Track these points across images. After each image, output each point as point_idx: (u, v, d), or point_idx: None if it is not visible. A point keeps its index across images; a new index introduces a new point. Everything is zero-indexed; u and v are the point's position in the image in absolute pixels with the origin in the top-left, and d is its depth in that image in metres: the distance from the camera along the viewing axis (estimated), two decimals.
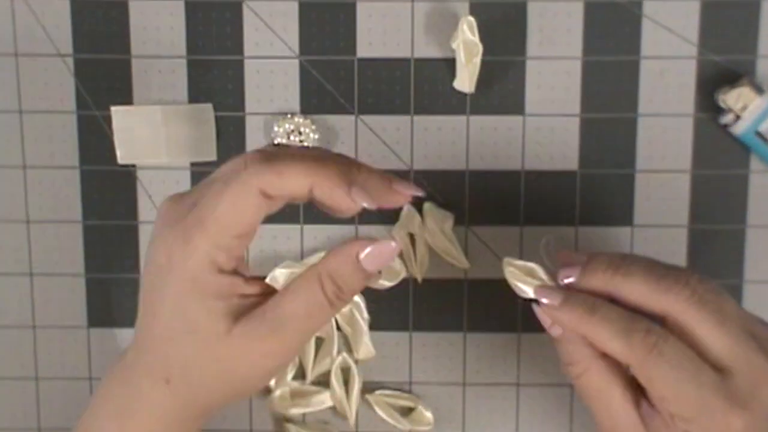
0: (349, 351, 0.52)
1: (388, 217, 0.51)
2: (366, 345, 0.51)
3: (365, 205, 0.37)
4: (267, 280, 0.51)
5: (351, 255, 0.37)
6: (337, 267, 0.37)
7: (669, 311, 0.38)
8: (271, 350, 0.37)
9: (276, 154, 0.37)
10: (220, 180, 0.37)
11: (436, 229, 0.50)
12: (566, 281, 0.40)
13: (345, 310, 0.51)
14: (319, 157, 0.37)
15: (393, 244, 0.37)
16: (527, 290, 0.41)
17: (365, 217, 0.51)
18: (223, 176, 0.37)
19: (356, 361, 0.52)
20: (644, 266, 0.39)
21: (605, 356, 0.40)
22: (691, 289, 0.38)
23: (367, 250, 0.37)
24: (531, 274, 0.41)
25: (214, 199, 0.36)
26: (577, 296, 0.40)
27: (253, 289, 0.38)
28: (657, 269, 0.39)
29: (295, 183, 0.36)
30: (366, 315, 0.51)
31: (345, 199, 0.37)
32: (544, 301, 0.40)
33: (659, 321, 0.39)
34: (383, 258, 0.37)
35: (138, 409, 0.38)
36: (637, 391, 0.40)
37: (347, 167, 0.37)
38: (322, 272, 0.37)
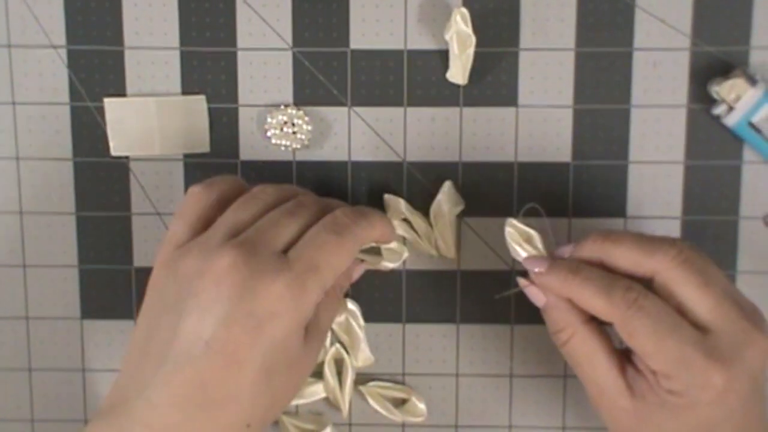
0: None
1: (381, 208, 0.51)
2: (364, 352, 0.51)
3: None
4: None
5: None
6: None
7: (656, 270, 0.40)
8: (316, 350, 0.42)
9: (364, 210, 0.44)
10: (323, 245, 0.40)
11: (445, 209, 0.50)
12: (533, 268, 0.43)
13: (341, 318, 0.51)
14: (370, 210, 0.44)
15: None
16: (521, 253, 0.44)
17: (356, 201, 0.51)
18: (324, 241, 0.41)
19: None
20: (633, 234, 0.42)
21: (591, 322, 0.42)
22: (677, 249, 0.40)
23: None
24: (529, 240, 0.44)
25: (329, 250, 0.40)
26: (561, 261, 0.42)
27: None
28: (645, 236, 0.41)
29: (381, 231, 0.44)
30: (362, 322, 0.51)
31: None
32: (534, 269, 0.42)
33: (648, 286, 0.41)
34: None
35: None
36: (622, 357, 0.42)
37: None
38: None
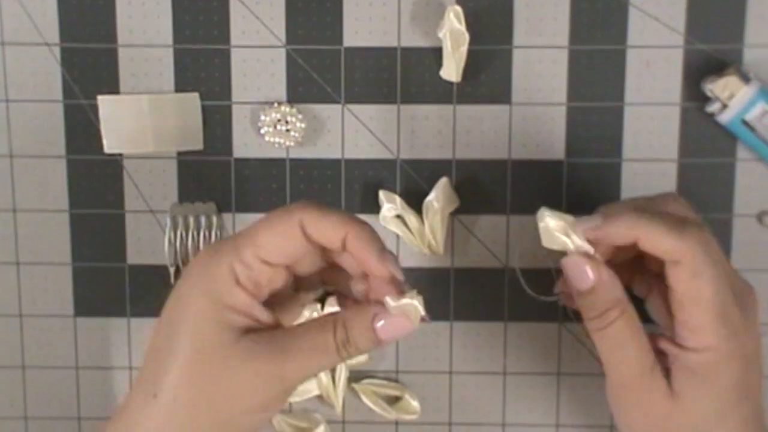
0: None
1: (374, 206, 0.51)
2: None
3: (392, 270, 0.38)
4: None
5: (367, 317, 0.38)
6: (352, 319, 0.38)
7: (684, 252, 0.39)
8: (269, 373, 0.37)
9: (322, 203, 0.39)
10: (270, 213, 0.38)
11: (437, 206, 0.50)
12: (588, 227, 0.40)
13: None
14: (356, 217, 0.39)
15: (409, 324, 0.37)
16: (566, 240, 0.40)
17: (350, 206, 0.51)
18: (273, 211, 0.39)
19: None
20: (659, 213, 0.40)
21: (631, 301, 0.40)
22: (705, 236, 0.39)
23: (382, 322, 0.37)
24: (564, 231, 0.40)
25: (258, 224, 0.38)
26: (620, 206, 0.40)
27: (266, 318, 0.38)
28: (658, 215, 0.40)
29: (333, 227, 0.37)
30: None
31: (372, 260, 0.38)
32: (587, 225, 0.39)
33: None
34: (396, 333, 0.38)
35: (133, 426, 0.38)
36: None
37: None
38: (338, 318, 0.38)
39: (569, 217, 0.40)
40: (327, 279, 0.42)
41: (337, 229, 0.37)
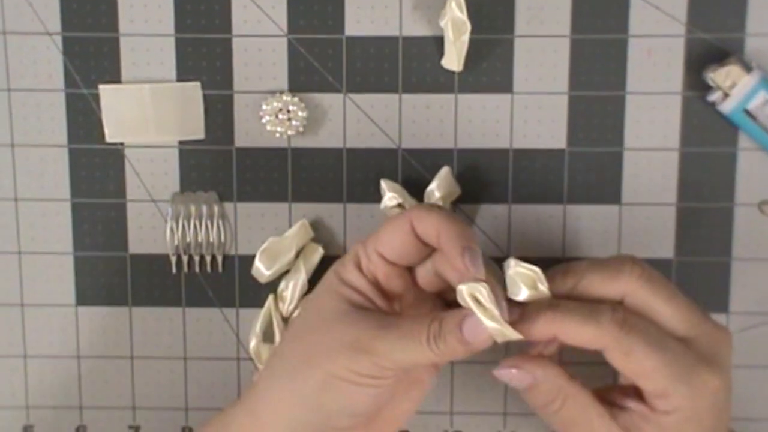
0: None
1: (376, 195, 0.51)
2: None
3: (471, 267, 0.39)
4: (256, 258, 0.51)
5: (459, 315, 0.38)
6: (447, 317, 0.39)
7: (625, 292, 0.40)
8: (362, 344, 0.39)
9: (437, 205, 0.44)
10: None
11: (440, 195, 0.50)
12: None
13: None
14: (457, 218, 0.41)
15: (487, 337, 0.38)
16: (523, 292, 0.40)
17: (351, 196, 0.51)
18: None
19: None
20: (591, 262, 0.42)
21: (573, 379, 0.41)
22: (639, 268, 0.40)
23: (469, 322, 0.38)
24: (533, 284, 0.41)
25: (384, 222, 0.42)
26: (535, 303, 0.40)
27: (383, 304, 0.42)
28: (600, 261, 0.42)
29: (432, 222, 0.40)
30: None
31: (454, 255, 0.39)
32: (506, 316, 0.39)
33: None
34: (477, 337, 0.38)
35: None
36: (606, 403, 0.42)
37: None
38: (437, 315, 0.39)
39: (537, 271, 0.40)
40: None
41: (434, 224, 0.40)
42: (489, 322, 0.38)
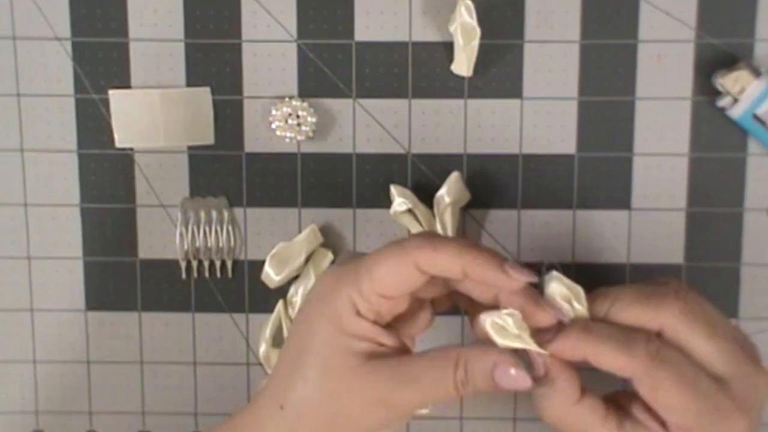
0: None
1: (385, 200, 0.51)
2: None
3: (521, 277, 0.38)
4: (266, 263, 0.51)
5: (488, 363, 0.38)
6: (474, 362, 0.38)
7: (664, 325, 0.39)
8: (388, 401, 0.38)
9: (436, 235, 0.40)
10: (386, 247, 0.39)
11: (448, 200, 0.50)
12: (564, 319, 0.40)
13: None
14: (471, 242, 0.39)
15: (528, 379, 0.37)
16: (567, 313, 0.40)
17: (361, 201, 0.51)
18: (389, 245, 0.40)
19: None
20: (634, 290, 0.40)
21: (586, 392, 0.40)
22: (681, 302, 0.39)
23: (501, 370, 0.37)
24: (569, 300, 0.40)
25: (375, 258, 0.39)
26: (571, 324, 0.40)
27: (391, 342, 0.39)
28: (644, 289, 0.40)
29: (449, 260, 0.38)
30: None
31: (499, 276, 0.38)
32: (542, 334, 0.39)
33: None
34: (513, 384, 0.38)
35: None
36: (619, 413, 0.40)
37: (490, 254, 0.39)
38: (461, 357, 0.38)
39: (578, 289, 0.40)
40: (455, 299, 0.43)
41: (454, 261, 0.38)
42: (512, 344, 0.37)
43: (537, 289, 0.40)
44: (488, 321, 0.38)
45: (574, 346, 0.39)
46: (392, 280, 0.38)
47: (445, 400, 0.39)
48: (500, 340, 0.38)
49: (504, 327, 0.38)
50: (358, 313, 0.39)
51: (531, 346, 0.38)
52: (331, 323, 0.39)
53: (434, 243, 0.38)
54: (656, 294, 0.40)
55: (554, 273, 0.40)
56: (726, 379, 0.38)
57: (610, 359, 0.38)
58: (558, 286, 0.40)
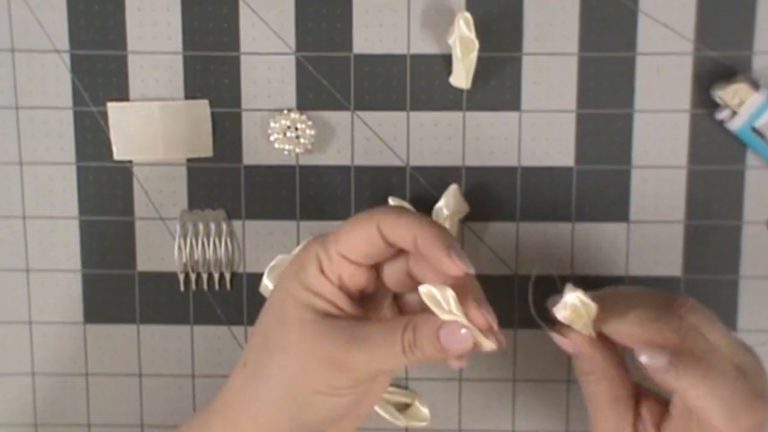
0: None
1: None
2: None
3: (461, 265, 0.38)
4: (264, 276, 0.51)
5: (435, 323, 0.38)
6: (421, 323, 0.38)
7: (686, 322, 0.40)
8: (336, 358, 0.38)
9: (404, 208, 0.41)
10: (357, 213, 0.41)
11: (448, 213, 0.50)
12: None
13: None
14: (433, 221, 0.40)
15: (464, 331, 0.38)
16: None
17: (358, 211, 0.51)
18: (360, 212, 0.41)
19: None
20: (642, 297, 0.41)
21: (619, 367, 0.42)
22: (683, 334, 0.40)
23: (446, 329, 0.38)
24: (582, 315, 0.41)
25: (345, 222, 0.40)
26: (682, 359, 0.39)
27: (350, 309, 0.40)
28: (649, 312, 0.40)
29: (405, 227, 0.39)
30: None
31: (442, 257, 0.38)
32: (649, 361, 0.39)
33: None
34: (457, 343, 0.38)
35: (225, 392, 0.42)
36: (635, 408, 0.42)
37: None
38: (411, 320, 0.39)
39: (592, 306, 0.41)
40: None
41: (409, 228, 0.38)
42: (444, 315, 0.38)
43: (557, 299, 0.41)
44: (424, 291, 0.38)
45: (685, 386, 0.39)
46: (355, 240, 0.39)
47: (394, 364, 0.39)
48: (436, 310, 0.38)
49: (438, 299, 0.38)
50: (322, 272, 0.40)
51: (461, 318, 0.38)
52: (295, 276, 0.40)
53: (399, 211, 0.39)
54: (660, 320, 0.40)
55: (571, 286, 0.41)
56: (746, 370, 0.40)
57: (713, 418, 0.39)
58: (574, 301, 0.40)
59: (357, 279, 0.40)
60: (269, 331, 0.41)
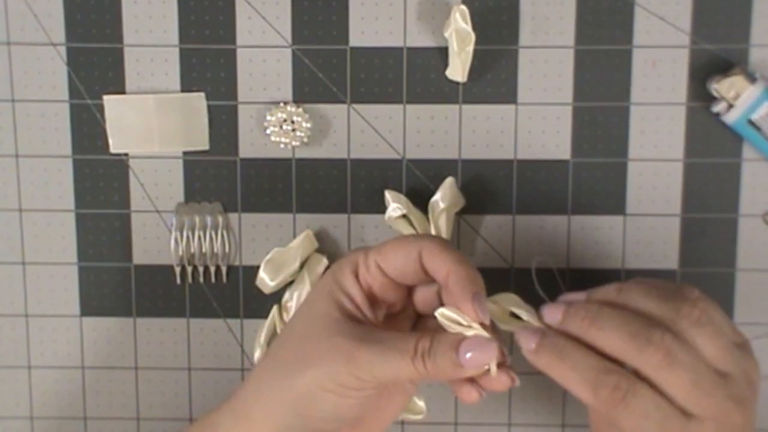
0: None
1: (380, 205, 0.51)
2: None
3: (480, 315, 0.38)
4: (260, 269, 0.51)
5: (456, 338, 0.38)
6: (441, 336, 0.39)
7: (641, 370, 0.39)
8: (345, 353, 0.39)
9: (449, 242, 0.43)
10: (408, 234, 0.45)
11: (444, 206, 0.50)
12: (547, 322, 0.41)
13: None
14: (469, 262, 0.40)
15: (494, 349, 0.38)
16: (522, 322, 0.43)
17: (356, 206, 0.51)
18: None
19: None
20: (618, 321, 0.39)
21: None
22: (664, 352, 0.38)
23: (468, 341, 0.38)
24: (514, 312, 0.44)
25: (392, 238, 0.42)
26: (550, 340, 0.40)
27: (373, 317, 0.41)
28: (632, 324, 0.39)
29: (443, 261, 0.40)
30: None
31: (465, 302, 0.39)
32: (522, 344, 0.41)
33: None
34: (479, 354, 0.38)
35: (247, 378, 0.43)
36: None
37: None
38: (429, 332, 0.39)
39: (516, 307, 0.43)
40: None
41: (445, 263, 0.39)
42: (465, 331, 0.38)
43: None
44: (440, 313, 0.39)
45: (548, 369, 0.40)
46: (395, 256, 0.41)
47: (405, 370, 0.38)
48: (456, 329, 0.39)
49: (456, 318, 0.39)
50: (357, 276, 0.41)
51: (483, 333, 0.38)
52: (332, 275, 0.42)
53: (444, 245, 0.40)
54: (640, 336, 0.39)
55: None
56: (729, 375, 0.39)
57: (576, 391, 0.39)
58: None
59: (387, 293, 0.41)
60: (299, 323, 0.42)
